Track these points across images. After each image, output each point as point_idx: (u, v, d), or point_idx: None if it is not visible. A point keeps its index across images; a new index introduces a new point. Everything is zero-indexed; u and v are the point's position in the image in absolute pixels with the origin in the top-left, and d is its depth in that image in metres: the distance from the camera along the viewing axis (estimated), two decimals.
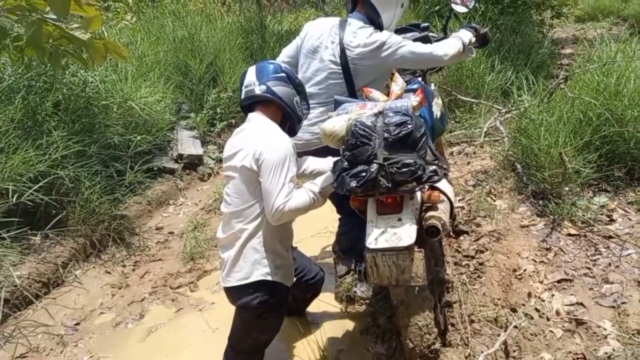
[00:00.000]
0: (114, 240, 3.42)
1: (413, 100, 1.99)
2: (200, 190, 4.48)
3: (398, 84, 2.15)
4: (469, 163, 4.15)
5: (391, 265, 1.78)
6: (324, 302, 2.75)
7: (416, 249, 1.78)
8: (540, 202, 3.19)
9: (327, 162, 2.23)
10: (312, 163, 2.31)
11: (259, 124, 2.10)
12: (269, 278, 2.04)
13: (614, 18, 10.08)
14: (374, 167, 1.75)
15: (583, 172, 3.09)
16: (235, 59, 5.64)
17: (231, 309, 2.15)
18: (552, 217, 3.03)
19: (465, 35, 2.52)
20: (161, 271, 3.23)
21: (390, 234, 1.77)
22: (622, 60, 3.51)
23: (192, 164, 4.69)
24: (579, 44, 4.86)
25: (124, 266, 3.32)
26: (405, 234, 1.76)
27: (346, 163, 1.83)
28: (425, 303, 1.91)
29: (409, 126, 1.81)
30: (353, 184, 1.78)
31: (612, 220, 2.95)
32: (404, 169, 1.76)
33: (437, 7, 6.23)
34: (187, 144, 4.83)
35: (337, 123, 1.93)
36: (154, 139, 4.21)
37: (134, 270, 3.29)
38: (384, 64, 2.40)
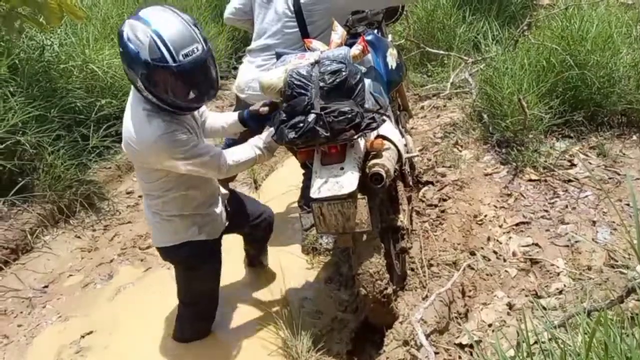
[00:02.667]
0: (82, 205, 3.39)
1: (354, 49, 1.98)
2: None
3: (337, 32, 2.12)
4: (438, 116, 4.15)
5: (337, 214, 1.81)
6: (291, 254, 2.79)
7: (359, 196, 1.81)
8: (504, 150, 3.23)
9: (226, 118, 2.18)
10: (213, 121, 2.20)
11: (131, 101, 1.87)
12: (192, 239, 2.06)
13: None
14: (312, 117, 1.76)
15: (545, 119, 3.11)
16: (204, 18, 5.49)
17: None
18: (514, 164, 3.07)
19: None
20: (130, 233, 3.24)
21: (333, 183, 1.79)
22: (585, 3, 3.49)
23: None
24: None
25: (94, 230, 3.32)
26: (346, 181, 1.78)
27: (284, 114, 1.82)
28: (375, 251, 1.94)
29: (344, 73, 1.80)
30: (292, 135, 1.78)
31: (572, 165, 3.01)
32: (341, 117, 1.76)
33: None
34: None
35: (275, 75, 1.90)
36: (120, 103, 4.13)
37: (103, 233, 3.28)
38: (336, 6, 2.36)
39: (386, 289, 1.91)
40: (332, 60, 1.82)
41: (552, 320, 1.88)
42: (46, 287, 2.79)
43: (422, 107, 4.41)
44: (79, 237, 3.27)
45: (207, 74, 1.73)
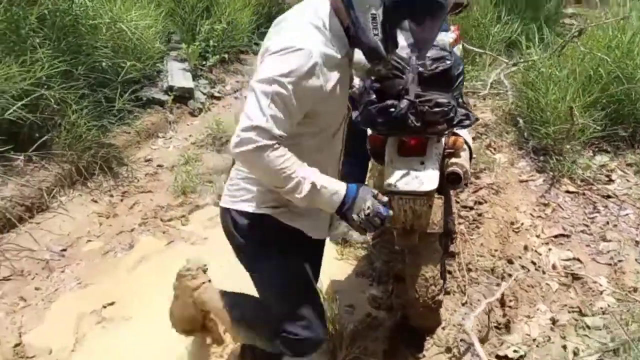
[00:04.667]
0: (101, 168, 3.28)
1: (450, 36, 1.87)
2: (191, 125, 4.31)
3: None
4: None
5: (407, 210, 1.71)
6: None
7: (436, 196, 1.72)
8: (541, 158, 3.16)
9: None
10: None
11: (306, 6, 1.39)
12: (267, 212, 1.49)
13: None
14: (404, 102, 1.62)
15: (588, 130, 3.05)
16: None
17: (224, 246, 1.92)
18: (551, 173, 3.01)
19: None
20: (151, 203, 3.13)
21: (412, 177, 1.69)
22: (636, 15, 3.41)
23: (183, 97, 4.47)
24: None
25: (112, 196, 3.21)
26: (427, 178, 1.69)
27: (374, 95, 1.71)
28: (434, 255, 1.86)
29: (447, 62, 1.69)
30: (380, 119, 1.67)
31: (610, 180, 2.96)
32: (437, 109, 1.65)
33: None
34: (178, 76, 4.60)
35: None
36: (143, 67, 3.98)
37: (122, 200, 3.17)
38: None
39: (438, 294, 1.83)
40: (435, 46, 1.69)
41: (599, 341, 1.83)
42: (64, 250, 2.69)
43: None
44: (95, 201, 3.16)
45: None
